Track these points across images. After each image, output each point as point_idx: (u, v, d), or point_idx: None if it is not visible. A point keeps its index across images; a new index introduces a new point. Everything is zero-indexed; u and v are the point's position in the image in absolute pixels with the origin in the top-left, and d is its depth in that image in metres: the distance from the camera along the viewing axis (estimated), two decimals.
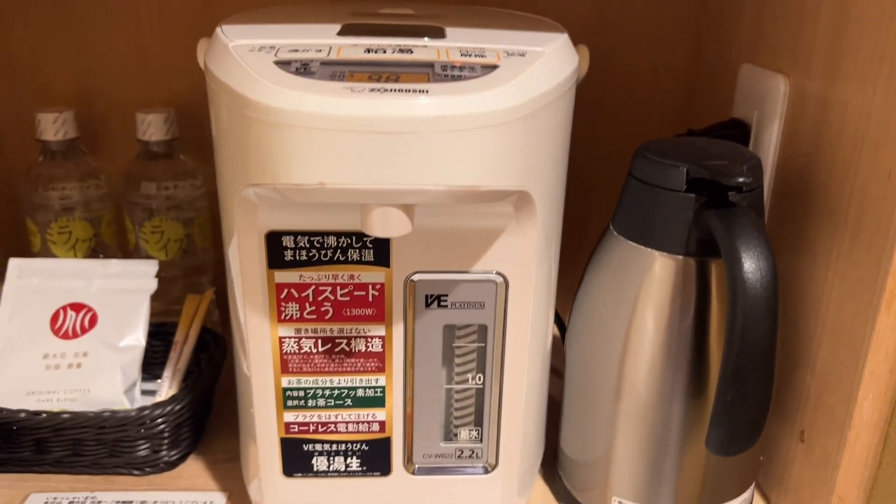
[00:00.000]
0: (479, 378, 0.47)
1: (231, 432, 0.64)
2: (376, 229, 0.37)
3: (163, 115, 0.68)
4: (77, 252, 0.70)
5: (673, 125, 0.75)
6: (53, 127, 0.67)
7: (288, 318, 0.44)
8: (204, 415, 0.64)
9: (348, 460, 0.48)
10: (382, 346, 0.45)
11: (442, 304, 0.44)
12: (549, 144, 0.41)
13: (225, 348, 0.66)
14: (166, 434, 0.59)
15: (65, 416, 0.56)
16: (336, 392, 0.46)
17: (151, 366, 0.67)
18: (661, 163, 0.47)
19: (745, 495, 0.53)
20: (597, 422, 0.52)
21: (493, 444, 0.48)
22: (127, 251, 0.73)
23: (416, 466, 0.48)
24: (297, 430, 0.47)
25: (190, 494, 0.58)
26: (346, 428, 0.47)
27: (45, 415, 0.56)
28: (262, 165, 0.37)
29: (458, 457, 0.49)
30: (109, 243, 0.73)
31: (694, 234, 0.46)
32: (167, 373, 0.65)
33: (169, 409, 0.58)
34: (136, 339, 0.65)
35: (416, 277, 0.43)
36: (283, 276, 0.43)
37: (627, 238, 0.49)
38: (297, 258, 0.43)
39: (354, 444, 0.48)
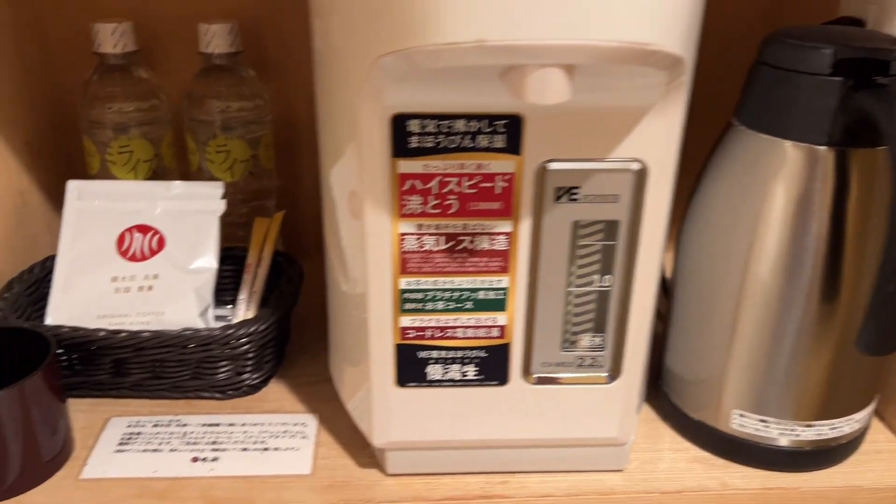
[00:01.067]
0: (606, 280, 0.44)
1: (311, 357, 0.62)
2: (533, 95, 0.34)
3: (227, 25, 0.63)
4: (137, 174, 0.66)
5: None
6: (112, 38, 0.63)
7: (410, 213, 0.41)
8: (284, 339, 0.61)
9: (465, 368, 0.45)
10: (507, 244, 0.42)
11: (573, 197, 0.41)
12: (699, 14, 0.38)
13: (302, 269, 0.63)
14: (251, 355, 0.56)
15: (145, 334, 0.53)
16: (456, 294, 0.43)
17: (219, 291, 0.63)
18: (801, 46, 0.43)
19: (867, 410, 0.51)
20: (714, 333, 0.49)
21: (616, 353, 0.45)
22: (188, 174, 0.69)
23: (535, 375, 0.46)
24: (413, 335, 0.44)
25: (278, 417, 0.55)
26: (465, 333, 0.44)
27: (124, 334, 0.53)
28: (405, 26, 0.33)
29: (579, 365, 0.46)
30: (169, 166, 0.69)
31: (838, 121, 0.43)
32: (242, 295, 0.62)
33: (254, 328, 0.55)
34: (208, 261, 0.62)
35: (551, 166, 0.40)
36: (406, 166, 0.40)
37: (757, 130, 0.46)
38: (423, 145, 0.39)
39: (472, 351, 0.45)
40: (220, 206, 0.63)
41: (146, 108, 0.65)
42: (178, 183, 0.64)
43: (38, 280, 0.61)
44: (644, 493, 0.49)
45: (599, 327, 0.45)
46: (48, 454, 0.49)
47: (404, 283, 0.43)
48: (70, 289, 0.60)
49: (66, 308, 0.59)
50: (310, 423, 0.54)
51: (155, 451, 0.51)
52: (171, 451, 0.51)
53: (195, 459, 0.50)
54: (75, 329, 0.53)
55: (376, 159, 0.40)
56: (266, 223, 0.66)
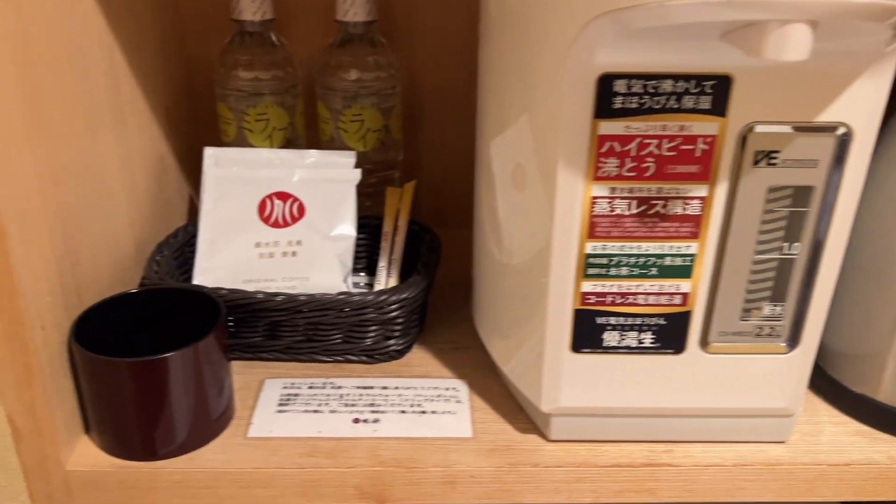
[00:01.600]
0: (794, 247, 0.43)
1: (448, 325, 0.62)
2: (773, 51, 0.33)
3: None
4: (273, 142, 0.67)
5: None
6: (252, 5, 0.63)
7: (604, 176, 0.40)
8: (425, 306, 0.61)
9: (642, 336, 0.45)
10: (700, 209, 0.41)
11: (771, 161, 0.40)
12: None
13: (439, 238, 0.63)
14: (400, 321, 0.56)
15: (302, 297, 0.54)
16: (642, 260, 0.43)
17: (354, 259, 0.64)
18: None
19: None
20: (885, 306, 0.48)
21: (796, 322, 0.45)
22: (318, 143, 0.69)
23: (712, 344, 0.45)
24: (593, 301, 0.44)
25: (429, 381, 0.55)
26: (646, 300, 0.44)
27: (282, 297, 0.54)
28: None
29: (756, 335, 0.45)
30: (301, 134, 0.69)
31: None
32: (382, 263, 0.62)
33: (406, 295, 0.55)
34: (347, 229, 0.62)
35: (757, 129, 0.39)
36: (607, 128, 0.39)
37: None
38: (626, 106, 0.39)
39: (651, 318, 0.44)
40: (356, 175, 0.63)
41: (282, 76, 0.65)
42: (312, 152, 0.64)
43: (181, 245, 0.62)
44: (811, 465, 0.48)
45: (780, 296, 0.44)
46: (215, 412, 0.49)
47: (590, 247, 0.42)
48: (215, 253, 0.60)
49: (212, 272, 0.60)
50: (460, 388, 0.54)
51: (315, 412, 0.52)
52: (332, 412, 0.52)
53: (356, 421, 0.51)
54: (233, 291, 0.54)
55: (576, 121, 0.39)
56: (398, 192, 0.66)
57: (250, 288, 0.59)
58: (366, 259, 0.67)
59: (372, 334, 0.56)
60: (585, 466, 0.48)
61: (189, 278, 0.61)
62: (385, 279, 0.61)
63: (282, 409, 0.52)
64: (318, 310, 0.54)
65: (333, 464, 0.47)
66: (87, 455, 0.48)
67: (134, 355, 0.45)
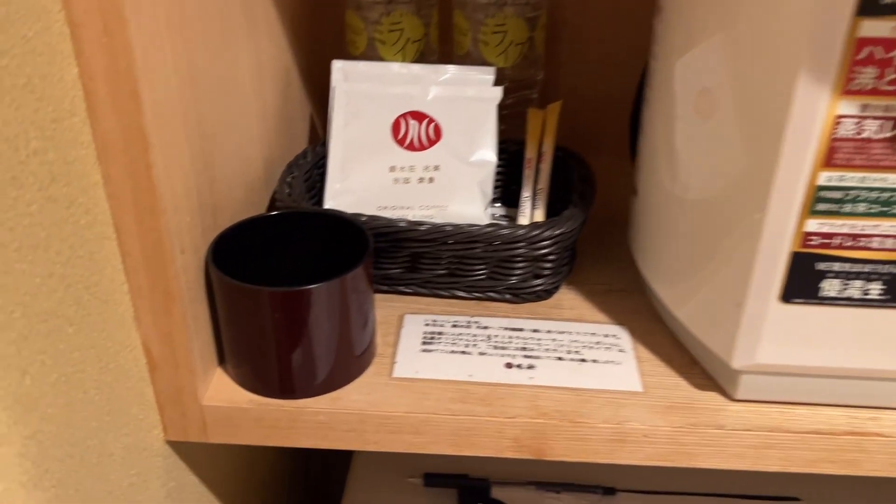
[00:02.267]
0: None
1: (601, 265, 0.56)
2: None
3: None
4: (406, 55, 0.60)
5: None
6: None
7: (857, 89, 0.33)
8: (576, 243, 0.55)
9: (869, 286, 0.38)
10: None
11: None
12: None
13: (590, 167, 0.56)
14: (552, 258, 0.50)
15: (449, 228, 0.48)
16: (885, 195, 0.35)
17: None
18: None
19: None
20: None
21: None
22: (452, 57, 0.63)
23: None
24: (816, 242, 0.37)
25: (584, 326, 0.49)
26: (882, 244, 0.37)
27: (427, 226, 0.48)
28: None
29: None
30: (434, 48, 0.63)
31: None
32: (526, 193, 0.56)
33: (562, 230, 0.49)
34: (488, 154, 0.56)
35: None
36: (871, 28, 0.32)
37: None
38: None
39: (884, 266, 0.37)
40: (496, 94, 0.57)
41: None
42: (449, 67, 0.57)
43: (310, 167, 0.57)
44: None
45: None
46: (359, 348, 0.45)
47: (824, 178, 0.35)
48: (347, 177, 0.55)
49: (344, 195, 0.55)
50: (621, 335, 0.48)
51: (463, 353, 0.47)
52: (481, 354, 0.47)
53: (509, 366, 0.46)
54: (374, 218, 0.49)
55: (829, 20, 0.32)
56: (541, 114, 0.59)
57: (384, 215, 0.54)
58: (502, 188, 0.61)
59: (519, 271, 0.50)
60: (778, 432, 0.42)
61: (318, 202, 0.56)
62: (529, 211, 0.55)
63: (427, 349, 0.47)
64: (465, 242, 0.48)
65: (489, 412, 0.43)
66: (223, 389, 0.44)
67: (272, 284, 0.41)
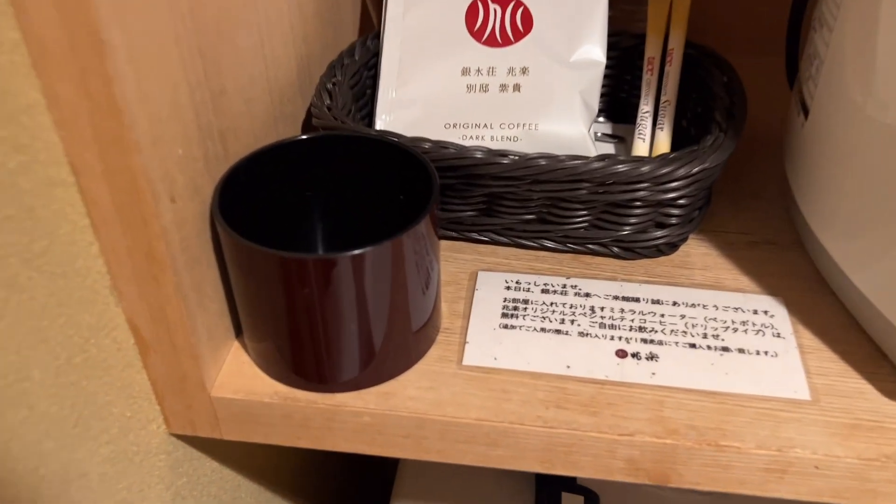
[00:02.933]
0: None
1: (743, 207, 0.42)
2: None
3: None
4: None
5: None
6: None
7: None
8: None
9: None
10: None
11: None
12: None
13: (736, 71, 0.41)
14: (682, 202, 0.37)
15: (542, 162, 0.35)
16: None
17: None
18: None
19: None
20: None
21: None
22: None
23: None
24: None
25: (726, 297, 0.36)
26: None
27: (512, 158, 0.35)
28: None
29: None
30: None
31: None
32: (646, 107, 0.42)
33: (702, 166, 0.35)
34: (595, 51, 0.42)
35: None
36: None
37: None
38: None
39: None
40: None
41: None
42: None
43: (359, 68, 0.43)
44: None
45: None
46: (417, 323, 0.33)
47: None
48: (406, 82, 0.42)
49: (401, 110, 0.42)
50: (776, 310, 0.35)
51: (557, 331, 0.35)
52: (582, 335, 0.34)
53: (622, 354, 0.34)
54: (440, 145, 0.36)
55: None
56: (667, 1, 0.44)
57: (454, 137, 0.41)
58: (608, 97, 0.47)
59: (634, 219, 0.37)
60: None
61: (370, 116, 0.43)
62: (650, 133, 0.41)
63: (507, 324, 0.35)
64: (565, 182, 0.35)
65: (596, 425, 0.31)
66: (240, 375, 0.33)
67: (302, 239, 0.29)
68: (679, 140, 0.41)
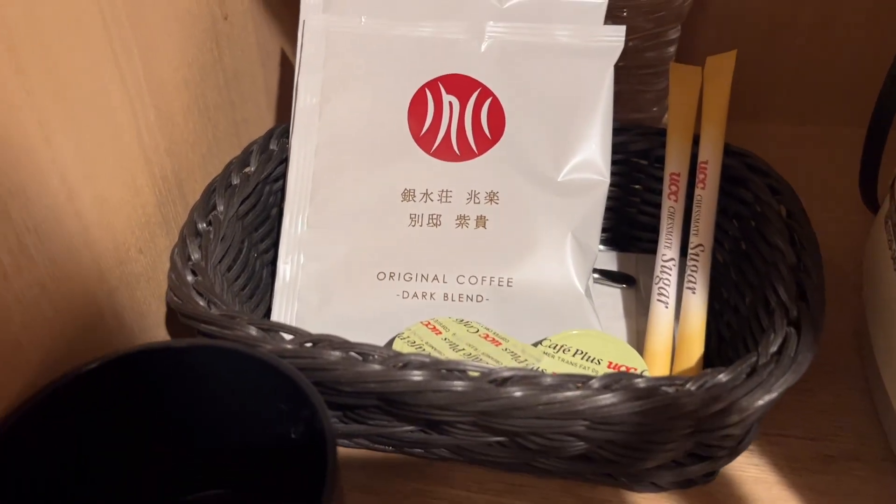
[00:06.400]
0: None
1: (799, 398, 0.28)
2: None
3: None
4: None
5: None
6: None
7: None
8: None
9: None
10: None
11: None
12: None
13: (795, 195, 0.27)
14: (731, 434, 0.23)
15: (516, 392, 0.21)
16: None
17: None
18: None
19: None
20: None
21: None
22: None
23: None
24: None
25: None
26: None
27: (463, 384, 0.21)
28: None
29: None
30: None
31: None
32: (668, 251, 0.28)
33: (766, 402, 0.21)
34: (593, 163, 0.28)
35: None
36: None
37: None
38: None
39: None
40: (615, 40, 0.28)
41: None
42: None
43: (257, 184, 0.29)
44: None
45: None
46: None
47: None
48: (320, 210, 0.28)
49: (314, 251, 0.28)
50: None
51: None
52: None
53: None
54: (350, 363, 0.22)
55: None
56: (696, 76, 0.30)
57: (390, 293, 0.28)
58: (610, 213, 0.33)
59: (662, 452, 0.24)
60: None
61: (274, 262, 0.29)
62: (674, 292, 0.27)
63: None
64: (556, 418, 0.22)
65: None
66: None
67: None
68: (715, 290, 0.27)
